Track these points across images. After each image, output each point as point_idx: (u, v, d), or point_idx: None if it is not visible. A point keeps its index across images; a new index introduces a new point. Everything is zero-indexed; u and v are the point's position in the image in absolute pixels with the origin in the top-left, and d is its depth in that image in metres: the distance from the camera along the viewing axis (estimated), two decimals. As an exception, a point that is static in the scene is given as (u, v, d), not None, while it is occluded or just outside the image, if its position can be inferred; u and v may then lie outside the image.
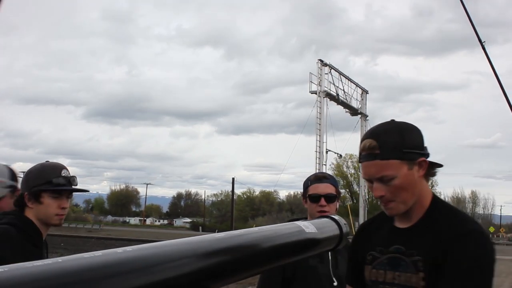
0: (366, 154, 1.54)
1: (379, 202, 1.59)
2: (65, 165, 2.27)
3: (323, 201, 2.50)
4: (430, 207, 1.58)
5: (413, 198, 1.55)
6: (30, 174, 2.21)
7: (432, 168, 1.61)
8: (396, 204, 1.55)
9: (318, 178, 2.60)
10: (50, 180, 2.17)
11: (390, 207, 1.56)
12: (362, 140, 1.58)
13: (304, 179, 2.66)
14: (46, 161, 2.29)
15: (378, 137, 1.53)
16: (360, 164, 1.59)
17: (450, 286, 1.39)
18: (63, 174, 2.21)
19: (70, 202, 2.33)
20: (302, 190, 2.67)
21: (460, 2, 6.38)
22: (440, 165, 1.65)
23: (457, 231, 1.46)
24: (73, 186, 2.25)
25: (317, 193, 2.52)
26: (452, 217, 1.52)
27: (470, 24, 6.41)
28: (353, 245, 1.74)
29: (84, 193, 2.45)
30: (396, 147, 1.51)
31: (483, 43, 6.43)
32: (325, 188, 2.53)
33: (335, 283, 2.44)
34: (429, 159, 1.60)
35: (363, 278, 1.66)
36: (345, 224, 1.87)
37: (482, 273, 1.39)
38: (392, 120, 1.62)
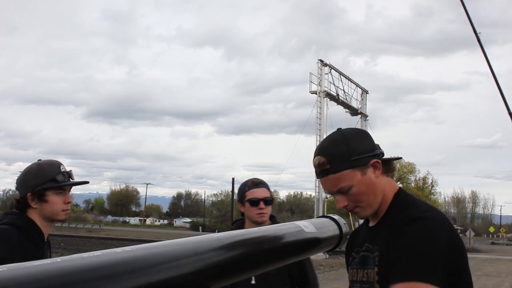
0: (319, 172, 1.58)
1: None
2: (65, 164, 2.27)
3: (262, 205, 2.71)
4: (392, 202, 1.61)
5: (377, 198, 1.58)
6: (29, 175, 2.20)
7: (389, 164, 1.63)
8: (362, 209, 1.59)
9: (256, 183, 2.80)
10: (53, 178, 2.18)
11: (356, 211, 1.61)
12: (313, 158, 1.61)
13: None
14: (39, 160, 2.28)
15: (325, 152, 1.56)
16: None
17: (392, 274, 1.39)
18: (62, 170, 2.22)
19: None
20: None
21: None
22: (399, 158, 1.68)
23: (403, 221, 1.47)
24: (72, 180, 2.26)
25: (257, 198, 2.73)
26: (406, 208, 1.53)
27: (468, 20, 6.30)
28: (345, 249, 1.78)
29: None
30: (344, 158, 1.53)
31: (478, 34, 6.29)
32: (263, 192, 2.76)
33: (253, 282, 2.55)
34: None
35: None
36: (344, 224, 1.87)
37: (420, 257, 1.36)
38: (339, 129, 1.64)
